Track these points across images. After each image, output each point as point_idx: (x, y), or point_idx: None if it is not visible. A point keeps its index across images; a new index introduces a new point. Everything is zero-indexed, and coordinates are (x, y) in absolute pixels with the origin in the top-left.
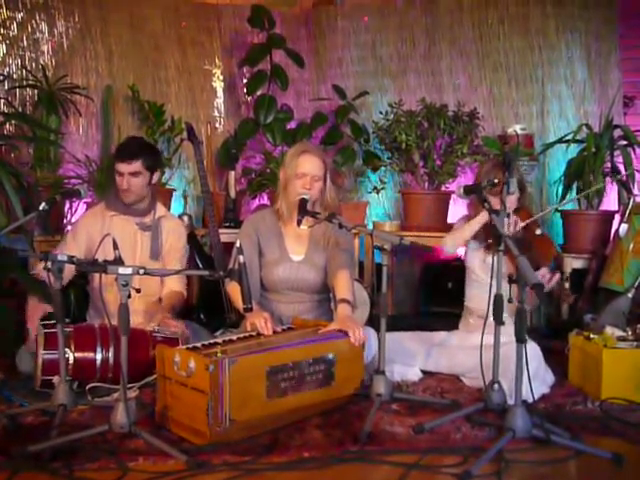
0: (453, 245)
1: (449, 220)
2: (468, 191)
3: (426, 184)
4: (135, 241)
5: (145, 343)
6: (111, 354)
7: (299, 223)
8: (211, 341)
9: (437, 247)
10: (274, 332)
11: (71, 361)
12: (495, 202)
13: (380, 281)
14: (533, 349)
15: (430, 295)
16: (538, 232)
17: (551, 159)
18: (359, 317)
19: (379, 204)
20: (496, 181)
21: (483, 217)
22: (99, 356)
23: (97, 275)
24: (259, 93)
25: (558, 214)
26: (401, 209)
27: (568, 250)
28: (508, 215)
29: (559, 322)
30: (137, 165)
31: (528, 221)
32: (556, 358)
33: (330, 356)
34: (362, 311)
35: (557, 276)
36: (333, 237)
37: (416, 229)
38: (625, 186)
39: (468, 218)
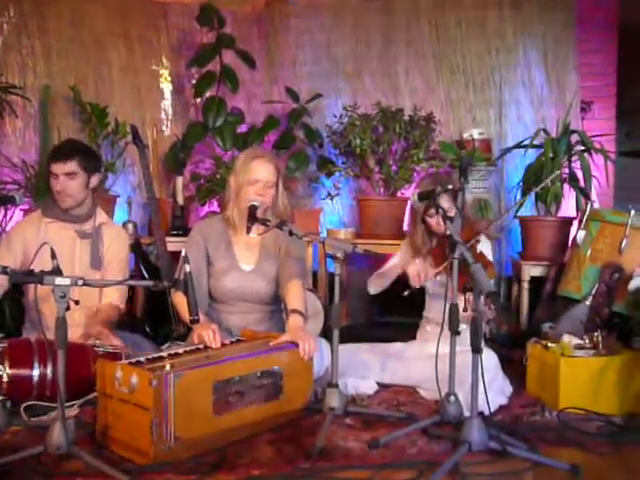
0: (376, 290)
1: (405, 227)
2: (422, 197)
3: (382, 190)
4: (74, 250)
5: (85, 358)
6: (49, 370)
7: (248, 230)
8: (156, 355)
9: (391, 255)
10: (222, 344)
11: (5, 378)
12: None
13: (333, 291)
14: (491, 358)
15: (385, 305)
16: (479, 250)
17: (509, 164)
18: (313, 328)
19: (334, 211)
20: (450, 187)
21: (398, 265)
22: (36, 372)
23: (33, 286)
24: (208, 95)
25: (516, 221)
26: (356, 216)
27: (526, 257)
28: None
29: (517, 331)
30: (72, 165)
31: (441, 268)
32: (515, 368)
33: (278, 369)
34: (316, 322)
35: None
36: (284, 245)
37: (371, 236)
38: (583, 192)
39: (409, 240)
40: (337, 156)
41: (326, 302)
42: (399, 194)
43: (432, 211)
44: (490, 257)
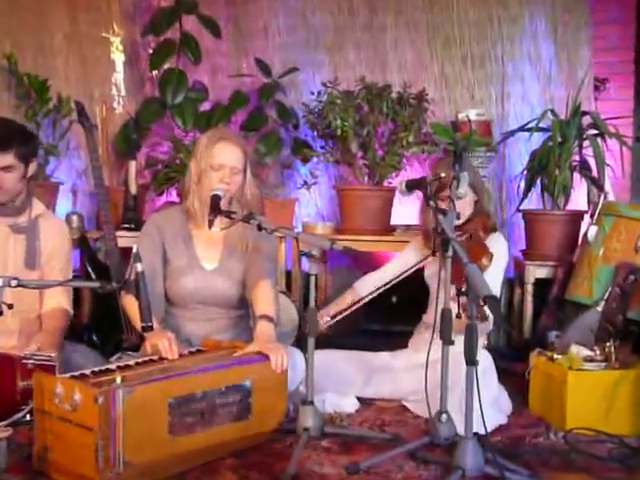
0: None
1: (393, 221)
2: (411, 187)
3: (366, 178)
4: (7, 246)
5: (11, 371)
6: None
7: (211, 224)
8: (103, 367)
9: (378, 253)
10: (180, 355)
11: None
12: (445, 204)
13: (309, 294)
14: (484, 357)
15: (371, 311)
16: (490, 241)
17: (512, 150)
18: (285, 336)
19: (310, 202)
20: (443, 175)
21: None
22: None
23: None
24: (166, 67)
25: (519, 215)
26: (336, 208)
27: (531, 257)
28: (457, 217)
29: (519, 341)
30: (8, 158)
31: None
32: (516, 382)
33: (246, 384)
34: (289, 329)
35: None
36: (252, 241)
37: (353, 232)
38: (595, 182)
39: (421, 230)
40: (315, 139)
41: (301, 307)
42: (386, 183)
43: (443, 194)
44: (504, 259)
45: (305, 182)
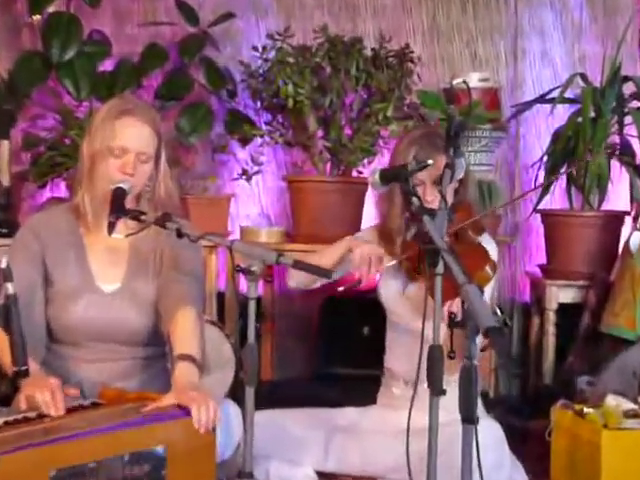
0: (298, 283)
1: (364, 225)
2: (387, 177)
3: (328, 167)
4: None
5: None
6: None
7: (111, 229)
8: None
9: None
10: (67, 411)
11: None
12: (420, 192)
13: (247, 325)
14: (492, 431)
15: (334, 348)
16: (478, 239)
17: (528, 129)
18: (215, 385)
19: (252, 198)
20: (430, 162)
21: (343, 245)
22: None
23: None
24: (52, 10)
25: (537, 217)
26: (287, 207)
27: (553, 274)
28: (449, 220)
29: (538, 388)
30: None
31: (455, 228)
32: (533, 446)
33: (159, 450)
34: (221, 375)
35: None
36: (169, 253)
37: (310, 239)
38: None
39: (378, 228)
40: (258, 112)
41: (237, 343)
42: (354, 173)
43: (419, 178)
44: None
45: (244, 171)
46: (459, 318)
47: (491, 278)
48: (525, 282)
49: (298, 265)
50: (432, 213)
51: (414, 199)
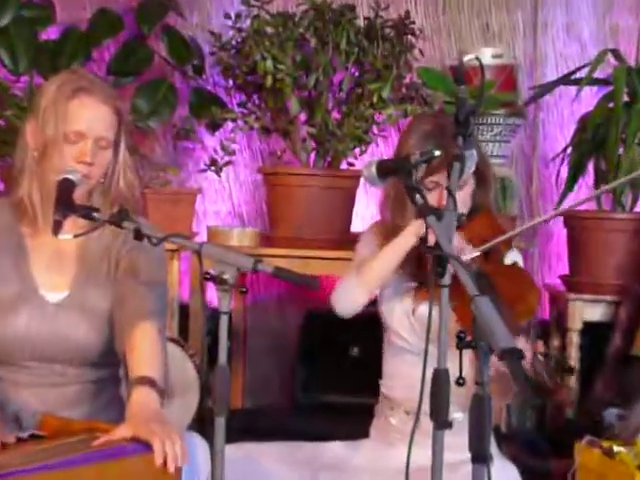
0: (351, 303)
1: (355, 227)
2: (385, 171)
3: (312, 157)
4: None
5: None
6: None
7: (57, 228)
8: None
9: (334, 278)
10: (2, 445)
11: None
12: (434, 197)
13: (217, 344)
14: (506, 476)
15: (317, 371)
16: (508, 260)
17: (549, 114)
18: (177, 414)
19: (222, 193)
20: (437, 153)
21: (410, 235)
22: None
23: None
24: None
25: (559, 219)
26: (264, 204)
27: (577, 287)
28: (459, 222)
29: (559, 423)
30: None
31: (489, 245)
32: None
33: None
34: (184, 402)
35: (537, 346)
36: (126, 258)
37: (292, 243)
38: None
39: (381, 233)
40: (229, 91)
41: (203, 364)
42: (344, 165)
43: (432, 180)
44: None
45: (213, 162)
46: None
47: (535, 311)
48: (544, 296)
49: (280, 273)
50: (438, 213)
51: (417, 197)
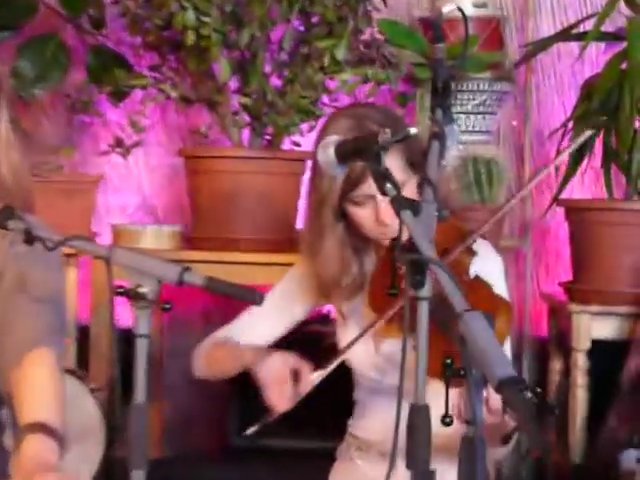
0: (204, 374)
1: (301, 224)
2: (347, 153)
3: (245, 135)
4: None
5: None
6: None
7: None
8: None
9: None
10: None
11: None
12: (369, 214)
13: (132, 376)
14: None
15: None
16: (472, 273)
17: (545, 80)
18: (74, 466)
19: (129, 182)
20: (413, 131)
21: (252, 359)
22: None
23: None
24: None
25: (558, 211)
26: (184, 195)
27: (582, 297)
28: (440, 217)
29: (562, 468)
30: None
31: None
32: None
33: None
34: (83, 451)
35: None
36: (13, 267)
37: (219, 245)
38: None
39: (310, 260)
40: (138, 51)
41: (111, 402)
42: (287, 144)
43: (364, 190)
44: (503, 291)
45: (119, 141)
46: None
47: (508, 332)
48: (541, 308)
49: (215, 286)
50: (415, 206)
51: (388, 186)
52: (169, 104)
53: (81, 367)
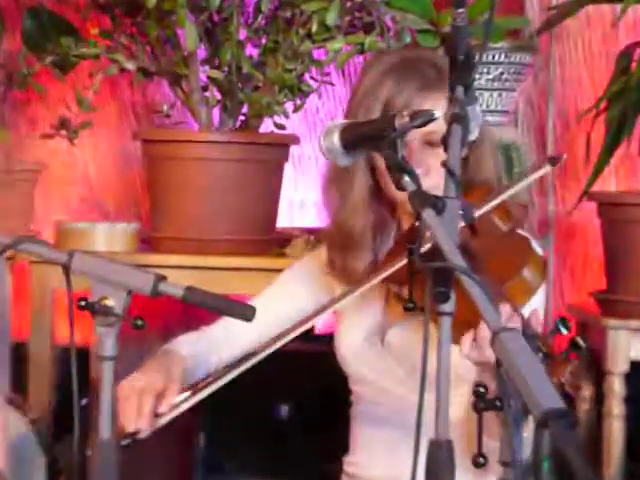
0: None
1: (282, 222)
2: (357, 140)
3: (216, 116)
4: None
5: None
6: None
7: None
8: None
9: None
10: None
11: None
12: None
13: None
14: None
15: (225, 443)
16: (504, 227)
17: (571, 48)
18: None
19: (75, 171)
20: (437, 115)
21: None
22: None
23: None
24: None
25: (589, 205)
26: (141, 187)
27: (618, 310)
28: (466, 217)
29: None
30: None
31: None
32: None
33: None
34: None
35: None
36: None
37: (186, 246)
38: None
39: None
40: (86, 13)
41: (76, 440)
42: (265, 126)
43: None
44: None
45: (63, 122)
46: (492, 392)
47: (536, 287)
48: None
49: (195, 297)
50: (439, 203)
51: (406, 179)
52: (123, 77)
53: (18, 393)
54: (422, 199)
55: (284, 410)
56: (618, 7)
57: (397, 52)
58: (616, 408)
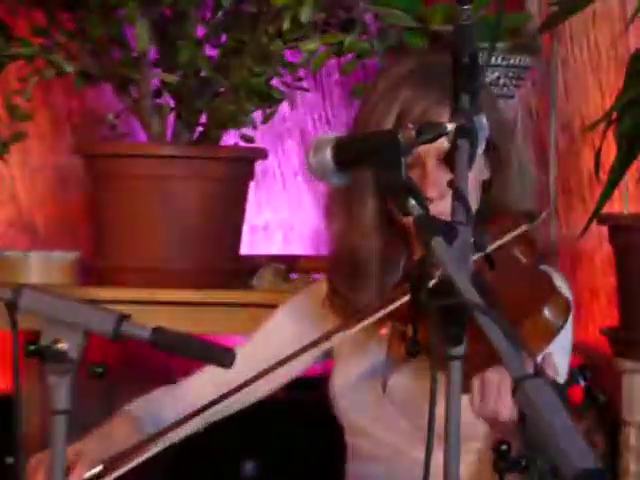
0: None
1: (245, 249)
2: (351, 156)
3: (170, 126)
4: None
5: None
6: None
7: None
8: None
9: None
10: None
11: None
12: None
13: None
14: None
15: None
16: (524, 260)
17: (578, 50)
18: None
19: (2, 188)
20: (449, 127)
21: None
22: None
23: None
24: None
25: (599, 230)
26: (83, 209)
27: (634, 349)
28: (479, 245)
29: None
30: None
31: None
32: None
33: None
34: None
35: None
36: None
37: (134, 277)
38: None
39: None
40: (15, 9)
41: None
42: (228, 138)
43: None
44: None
45: None
46: (515, 451)
47: (557, 329)
48: (572, 363)
49: (165, 339)
50: (450, 230)
51: (412, 203)
52: (62, 83)
53: None
54: (430, 225)
55: (249, 466)
56: (628, 3)
57: (417, 55)
58: (633, 464)
